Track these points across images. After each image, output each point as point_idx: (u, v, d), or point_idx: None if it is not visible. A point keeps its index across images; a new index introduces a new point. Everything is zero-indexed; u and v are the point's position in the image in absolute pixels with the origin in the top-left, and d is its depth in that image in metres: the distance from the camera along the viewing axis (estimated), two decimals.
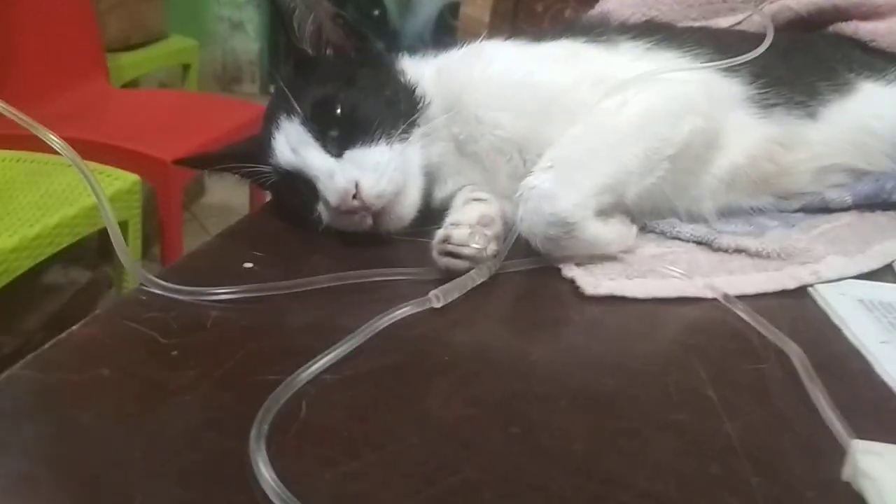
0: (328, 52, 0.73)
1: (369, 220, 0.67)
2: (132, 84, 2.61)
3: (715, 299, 0.60)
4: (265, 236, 0.74)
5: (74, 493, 0.41)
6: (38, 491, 0.41)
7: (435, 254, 0.64)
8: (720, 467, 0.42)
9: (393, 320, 0.55)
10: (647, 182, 0.67)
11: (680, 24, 0.91)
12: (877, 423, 0.46)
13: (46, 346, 0.52)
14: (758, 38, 0.87)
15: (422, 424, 0.46)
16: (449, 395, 0.49)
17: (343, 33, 0.73)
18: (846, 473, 0.42)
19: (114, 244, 0.62)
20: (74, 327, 0.55)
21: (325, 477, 0.41)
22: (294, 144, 0.69)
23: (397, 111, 0.70)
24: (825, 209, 0.78)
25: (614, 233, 0.66)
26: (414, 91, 0.72)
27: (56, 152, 0.59)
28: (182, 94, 2.47)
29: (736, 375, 0.52)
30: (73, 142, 0.59)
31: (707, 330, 0.58)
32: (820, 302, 0.62)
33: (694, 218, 0.74)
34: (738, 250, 0.68)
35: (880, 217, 0.76)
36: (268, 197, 0.81)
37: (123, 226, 1.53)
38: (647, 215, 0.72)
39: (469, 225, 0.65)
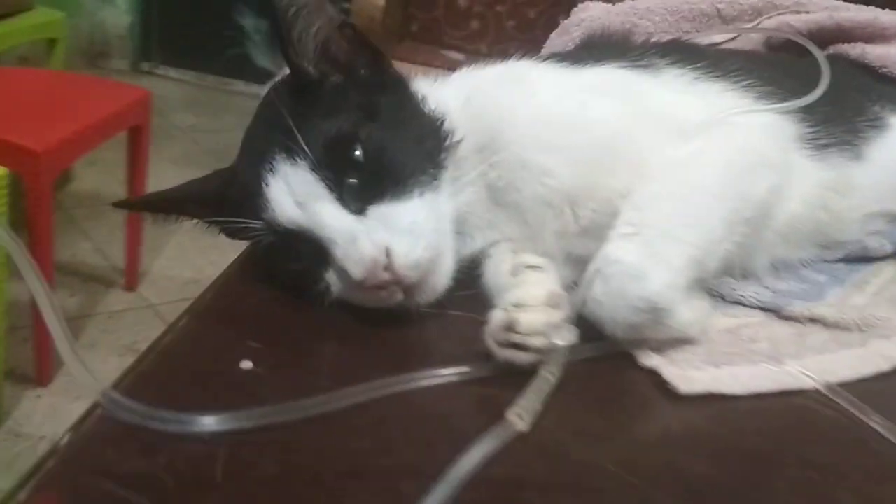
0: (335, 72, 0.57)
1: (399, 296, 0.53)
2: None
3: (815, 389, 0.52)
4: (255, 315, 0.57)
5: None
6: None
7: (491, 343, 0.50)
8: None
9: (473, 462, 0.41)
10: (724, 249, 0.57)
11: (699, 42, 0.82)
12: None
13: None
14: (792, 63, 0.80)
15: None
16: None
17: (352, 48, 0.57)
18: None
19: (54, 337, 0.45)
20: (22, 496, 0.38)
21: None
22: (300, 197, 0.53)
23: (425, 152, 0.56)
24: (864, 258, 0.72)
25: (695, 311, 0.55)
26: (442, 125, 0.58)
27: None
28: (50, 73, 2.12)
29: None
30: None
31: (827, 437, 0.49)
32: None
33: (746, 275, 0.65)
34: (813, 320, 0.60)
35: None
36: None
37: None
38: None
39: (540, 308, 0.51)
